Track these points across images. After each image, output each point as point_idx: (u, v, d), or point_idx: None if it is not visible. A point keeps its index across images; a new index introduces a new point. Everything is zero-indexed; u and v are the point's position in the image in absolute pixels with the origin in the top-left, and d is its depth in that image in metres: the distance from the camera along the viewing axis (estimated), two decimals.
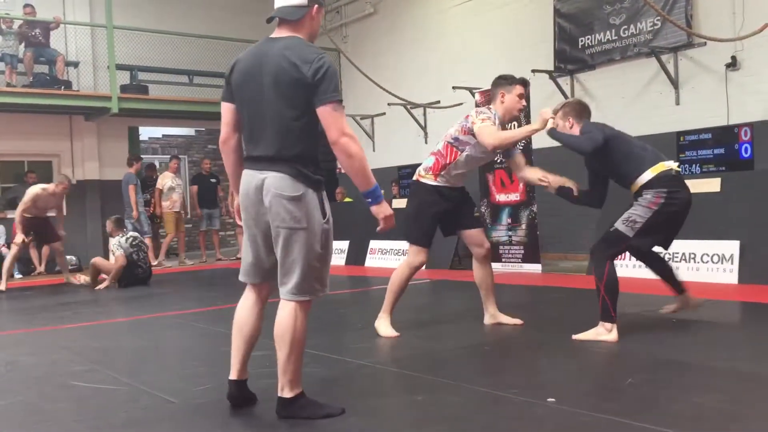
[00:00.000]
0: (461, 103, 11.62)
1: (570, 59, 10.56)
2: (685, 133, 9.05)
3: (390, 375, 3.87)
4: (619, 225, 4.34)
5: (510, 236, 9.10)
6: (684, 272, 7.00)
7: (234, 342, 3.11)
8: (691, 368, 3.62)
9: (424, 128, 13.14)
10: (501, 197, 9.23)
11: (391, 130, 13.85)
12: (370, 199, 2.95)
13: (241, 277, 3.13)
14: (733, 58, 8.70)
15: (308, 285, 2.89)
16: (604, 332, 4.33)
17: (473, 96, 10.08)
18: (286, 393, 2.94)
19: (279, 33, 2.99)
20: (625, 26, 9.87)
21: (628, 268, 7.54)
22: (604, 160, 4.49)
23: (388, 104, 12.92)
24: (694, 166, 8.95)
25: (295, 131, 2.85)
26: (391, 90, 12.20)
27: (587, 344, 4.29)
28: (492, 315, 5.21)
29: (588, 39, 10.33)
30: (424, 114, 13.07)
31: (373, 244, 10.89)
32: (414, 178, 5.02)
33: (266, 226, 2.93)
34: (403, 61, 13.39)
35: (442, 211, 4.93)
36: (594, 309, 4.38)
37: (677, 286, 4.77)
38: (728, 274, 6.69)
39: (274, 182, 2.85)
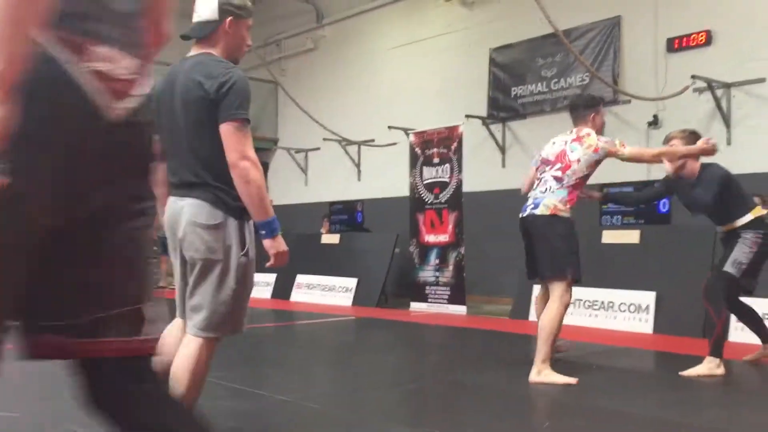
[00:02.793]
0: (395, 143, 11.76)
1: (503, 107, 10.86)
2: (608, 186, 9.39)
3: (309, 412, 3.81)
4: (728, 268, 4.69)
5: (437, 277, 9.18)
6: (602, 320, 7.21)
7: None
8: (603, 413, 3.70)
9: (358, 165, 13.22)
10: (430, 238, 9.33)
11: (325, 165, 13.87)
12: (264, 232, 2.68)
13: (178, 313, 2.90)
14: (655, 116, 9.12)
15: (217, 322, 2.65)
16: (715, 367, 4.60)
17: (407, 136, 10.22)
18: None
19: (193, 51, 2.82)
20: (556, 79, 10.24)
21: None
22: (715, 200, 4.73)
23: (323, 139, 12.97)
24: (615, 217, 9.27)
25: (211, 154, 2.65)
26: (326, 125, 12.26)
27: (504, 387, 4.34)
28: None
29: (520, 89, 10.66)
30: (359, 151, 13.16)
31: (300, 278, 10.80)
32: (546, 212, 4.62)
33: (185, 258, 2.74)
34: (340, 98, 13.50)
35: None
36: (515, 351, 4.45)
37: (764, 336, 5.03)
38: (644, 324, 6.91)
39: (191, 209, 2.67)
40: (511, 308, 8.33)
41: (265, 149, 15.07)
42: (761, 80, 8.26)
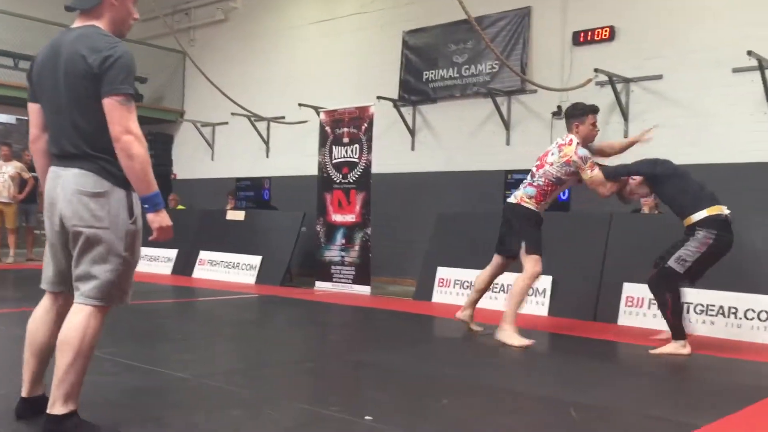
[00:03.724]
0: (306, 121, 11.65)
1: (414, 90, 10.93)
2: (512, 172, 9.63)
3: (208, 389, 3.72)
4: (672, 263, 4.97)
5: (343, 257, 9.19)
6: (501, 302, 7.40)
7: (25, 355, 2.81)
8: (499, 392, 3.81)
9: (266, 142, 13.01)
10: (337, 217, 9.31)
11: (232, 140, 13.58)
12: (147, 206, 2.68)
13: (42, 284, 2.84)
14: (559, 107, 9.40)
15: (107, 290, 2.65)
16: (680, 347, 4.96)
17: (318, 114, 10.14)
18: (57, 409, 2.59)
19: (77, 23, 2.78)
20: (467, 66, 10.38)
21: (452, 295, 7.85)
22: (662, 189, 5.22)
23: (232, 114, 12.68)
24: None
25: (96, 126, 2.64)
26: (235, 99, 11.98)
27: (405, 366, 4.40)
28: (469, 315, 5.76)
29: (432, 73, 10.76)
30: (268, 128, 12.95)
31: (203, 254, 10.56)
32: (515, 201, 5.46)
33: (66, 229, 2.69)
34: (250, 73, 13.22)
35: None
36: (417, 331, 4.51)
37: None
38: (540, 307, 7.15)
39: (75, 179, 2.65)
40: (415, 289, 8.44)
41: (169, 121, 14.62)
42: (659, 77, 8.66)
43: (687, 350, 4.96)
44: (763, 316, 5.73)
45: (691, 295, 6.02)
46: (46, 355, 2.81)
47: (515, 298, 5.33)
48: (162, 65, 14.43)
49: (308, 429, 3.04)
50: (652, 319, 6.31)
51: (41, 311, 2.84)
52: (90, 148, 2.66)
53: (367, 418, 3.10)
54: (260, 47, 13.22)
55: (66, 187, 2.65)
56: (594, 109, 5.50)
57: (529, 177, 5.50)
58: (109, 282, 2.65)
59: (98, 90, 2.61)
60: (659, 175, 5.23)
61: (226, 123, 13.40)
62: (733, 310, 5.87)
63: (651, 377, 4.49)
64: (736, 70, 8.01)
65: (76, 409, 2.65)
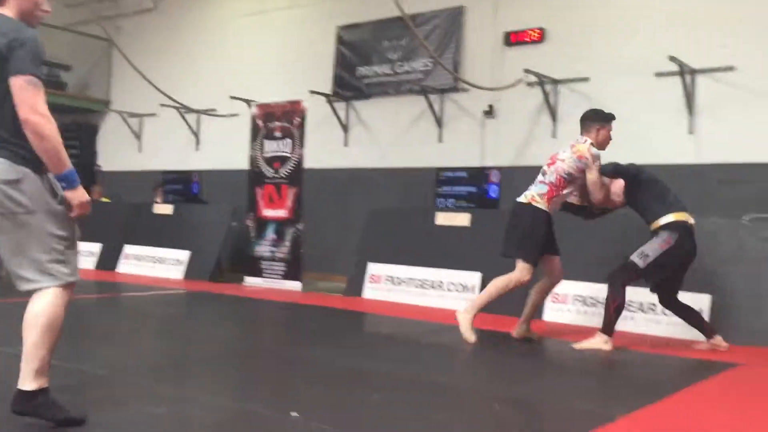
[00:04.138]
0: (237, 114, 11.47)
1: (348, 86, 10.90)
2: (444, 170, 9.72)
3: (131, 386, 3.62)
4: (634, 257, 5.04)
5: (273, 252, 9.09)
6: (431, 299, 7.48)
7: None
8: (428, 387, 3.83)
9: (196, 135, 12.75)
10: (268, 212, 9.20)
11: (161, 132, 13.25)
12: (64, 184, 2.71)
13: None
14: (490, 106, 9.55)
15: (54, 270, 2.69)
16: (602, 342, 5.05)
17: (249, 107, 9.99)
18: (28, 384, 2.67)
19: None
20: (401, 63, 10.42)
21: (383, 291, 7.88)
22: (640, 196, 5.24)
23: (161, 105, 12.37)
24: (449, 200, 9.62)
25: (7, 112, 2.62)
26: (165, 90, 11.69)
27: (335, 362, 4.38)
28: (526, 330, 5.54)
29: (366, 69, 10.75)
30: (198, 120, 12.69)
31: (128, 249, 10.28)
32: (524, 200, 5.29)
33: None
34: (180, 64, 12.92)
35: (546, 235, 5.27)
36: (347, 327, 4.50)
37: (707, 332, 5.34)
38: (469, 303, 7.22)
39: None
40: (345, 286, 8.42)
41: (95, 111, 14.15)
42: (586, 79, 8.89)
43: (609, 346, 5.07)
44: (657, 309, 5.93)
45: None
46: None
47: (488, 292, 5.31)
48: (87, 53, 13.95)
49: (231, 426, 2.99)
50: (576, 315, 6.48)
51: None
52: (5, 132, 2.64)
53: (293, 414, 3.07)
54: (191, 38, 12.94)
55: None
56: (614, 118, 5.55)
57: (540, 175, 5.38)
58: (52, 263, 2.68)
59: (6, 73, 2.60)
60: (643, 181, 5.29)
61: (155, 114, 13.07)
62: (651, 307, 6.07)
63: (574, 372, 4.61)
64: (658, 75, 8.30)
65: (47, 387, 2.72)
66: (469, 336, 5.19)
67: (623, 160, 8.46)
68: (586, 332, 5.96)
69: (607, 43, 8.76)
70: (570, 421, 3.25)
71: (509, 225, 5.39)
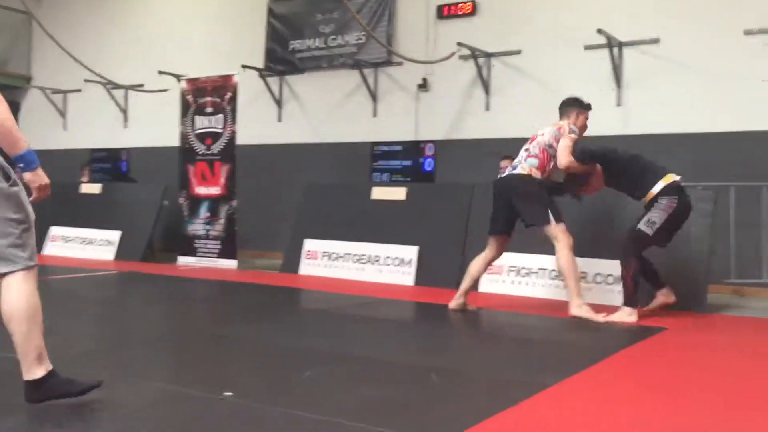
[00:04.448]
0: (166, 89, 11.14)
1: (280, 60, 10.72)
2: (379, 144, 9.70)
3: (62, 372, 3.49)
4: (642, 226, 5.15)
5: (207, 230, 8.93)
6: (369, 273, 7.48)
7: None
8: (366, 362, 3.83)
9: (124, 111, 12.36)
10: (201, 190, 9.01)
11: (86, 109, 12.78)
12: (22, 165, 2.68)
13: None
14: (425, 80, 9.54)
15: (11, 254, 2.68)
16: (627, 315, 5.12)
17: (179, 82, 9.72)
18: (34, 373, 2.72)
19: None
20: (333, 36, 10.29)
21: (319, 267, 7.84)
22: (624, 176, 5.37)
23: (85, 81, 11.92)
24: (384, 174, 9.62)
25: None
26: (89, 66, 11.25)
27: (269, 340, 4.34)
28: (463, 303, 5.59)
29: (298, 43, 10.58)
30: (126, 96, 12.29)
31: (55, 230, 9.94)
32: (524, 172, 5.41)
33: None
34: (105, 37, 12.45)
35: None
36: (282, 304, 4.45)
37: (658, 283, 5.54)
38: (406, 276, 7.28)
39: None
40: (282, 262, 8.35)
41: (15, 87, 13.52)
42: (518, 52, 8.96)
43: (635, 318, 5.13)
44: (611, 280, 6.10)
45: (545, 261, 6.32)
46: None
47: (571, 275, 5.23)
48: (5, 27, 13.30)
49: (163, 408, 2.92)
50: (510, 286, 6.59)
51: None
52: None
53: (226, 393, 3.02)
54: (116, 10, 12.48)
55: None
56: (591, 108, 5.78)
57: (523, 152, 5.56)
58: (12, 245, 2.68)
59: None
60: (619, 160, 5.41)
61: (79, 90, 12.59)
62: (581, 275, 6.21)
63: (509, 342, 4.69)
64: (587, 48, 8.42)
65: (52, 368, 2.77)
66: (599, 317, 5.15)
67: None
68: (520, 303, 6.08)
69: (538, 16, 8.84)
70: (504, 390, 3.30)
71: (517, 197, 5.40)
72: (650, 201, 5.28)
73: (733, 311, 6.10)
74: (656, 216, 5.21)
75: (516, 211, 5.44)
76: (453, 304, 5.56)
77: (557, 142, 5.48)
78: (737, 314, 5.95)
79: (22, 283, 2.71)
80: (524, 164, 5.48)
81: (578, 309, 5.22)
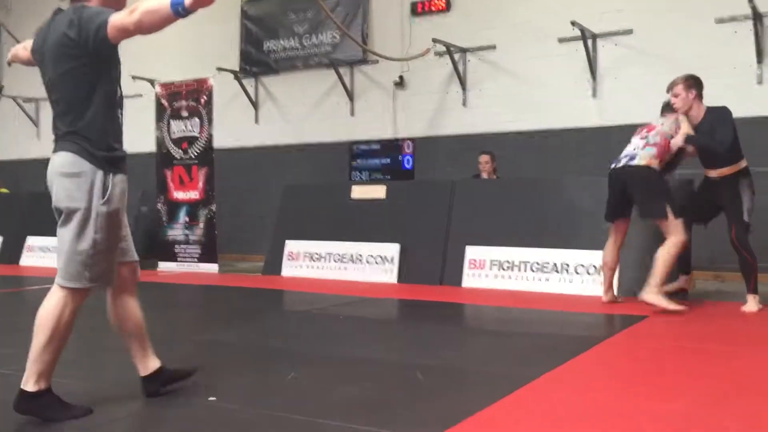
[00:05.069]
0: (140, 95, 11.03)
1: (255, 62, 10.66)
2: (357, 143, 9.67)
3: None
4: (747, 217, 5.21)
5: (187, 235, 8.85)
6: (351, 273, 7.46)
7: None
8: (351, 361, 3.81)
9: None
10: (179, 195, 8.93)
11: None
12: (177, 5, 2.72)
13: None
14: (401, 77, 9.53)
15: (74, 271, 2.71)
16: (756, 303, 5.14)
17: (154, 87, 9.62)
18: (30, 386, 2.69)
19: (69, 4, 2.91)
20: (308, 35, 10.25)
21: (302, 268, 7.79)
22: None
23: None
24: (363, 173, 9.59)
25: (75, 105, 2.74)
26: None
27: (251, 344, 4.30)
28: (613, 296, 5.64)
29: (273, 44, 10.53)
30: None
31: (31, 240, 9.80)
32: (642, 162, 5.26)
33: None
34: None
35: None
36: (265, 307, 4.42)
37: (688, 268, 5.63)
38: (389, 274, 7.26)
39: (57, 160, 2.74)
40: (263, 265, 8.30)
41: None
42: (492, 47, 8.97)
43: (759, 306, 5.15)
44: (591, 270, 6.13)
45: (527, 254, 6.34)
46: (128, 332, 3.07)
47: (664, 267, 5.09)
48: None
49: (147, 415, 2.88)
50: (494, 280, 6.59)
51: (109, 299, 3.01)
52: (73, 128, 2.71)
53: (211, 398, 2.99)
54: None
55: (51, 169, 2.75)
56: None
57: (640, 141, 5.42)
58: (78, 263, 2.70)
59: (77, 66, 2.77)
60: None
61: None
62: (565, 266, 6.24)
63: (493, 336, 4.69)
64: (561, 40, 8.46)
65: (48, 387, 2.73)
66: (675, 306, 5.06)
67: (531, 125, 8.68)
68: (505, 296, 6.09)
69: (511, 11, 8.86)
70: (490, 384, 3.29)
71: (636, 188, 5.30)
72: (723, 178, 5.26)
73: (713, 297, 6.16)
74: (749, 202, 5.26)
75: (631, 201, 5.39)
76: (605, 298, 5.63)
77: (676, 133, 5.40)
78: (718, 299, 6.00)
79: (68, 299, 2.73)
80: (642, 155, 5.32)
81: (652, 296, 5.08)
